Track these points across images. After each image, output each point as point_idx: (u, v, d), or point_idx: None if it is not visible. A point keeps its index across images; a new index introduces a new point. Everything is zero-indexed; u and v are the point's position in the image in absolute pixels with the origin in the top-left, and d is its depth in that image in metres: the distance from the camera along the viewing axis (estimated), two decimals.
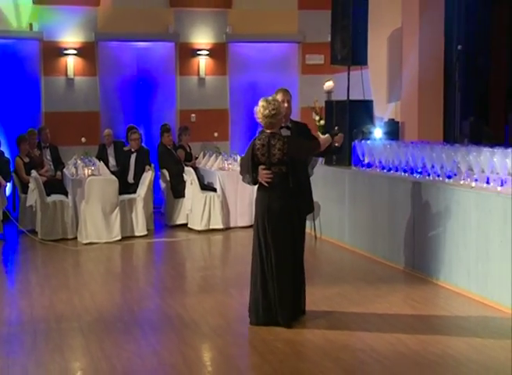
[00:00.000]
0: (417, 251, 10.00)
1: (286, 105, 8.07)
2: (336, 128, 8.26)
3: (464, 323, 7.99)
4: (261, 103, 7.75)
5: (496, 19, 12.99)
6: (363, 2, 13.26)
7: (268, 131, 7.75)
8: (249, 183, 7.98)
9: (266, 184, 7.66)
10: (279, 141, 7.63)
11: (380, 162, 11.53)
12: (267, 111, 7.67)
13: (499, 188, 8.58)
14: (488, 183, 8.84)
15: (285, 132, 8.01)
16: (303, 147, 7.80)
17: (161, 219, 14.48)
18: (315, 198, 12.74)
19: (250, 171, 7.77)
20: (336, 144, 8.04)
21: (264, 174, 7.63)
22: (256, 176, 7.74)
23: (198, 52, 16.80)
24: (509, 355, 6.86)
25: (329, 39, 13.56)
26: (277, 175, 7.64)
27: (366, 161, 12.01)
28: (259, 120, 7.80)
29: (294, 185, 7.68)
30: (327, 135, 7.94)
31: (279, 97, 8.04)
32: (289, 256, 7.68)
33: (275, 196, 7.67)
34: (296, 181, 7.74)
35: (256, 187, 7.94)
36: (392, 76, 14.28)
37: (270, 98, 7.81)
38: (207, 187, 13.74)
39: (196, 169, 14.05)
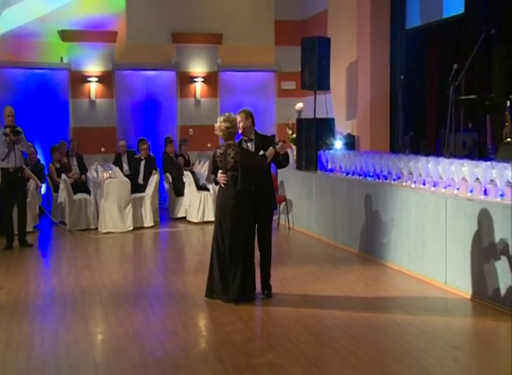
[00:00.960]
0: (369, 238, 10.01)
1: (241, 124, 7.86)
2: (277, 139, 8.03)
3: (405, 295, 8.00)
4: (219, 119, 7.83)
5: (429, 55, 13.08)
6: (326, 41, 13.34)
7: (226, 142, 7.77)
8: (210, 183, 8.04)
9: (223, 185, 7.72)
10: (233, 151, 7.63)
11: (340, 167, 11.56)
12: (223, 126, 7.73)
13: (432, 189, 8.65)
14: (424, 184, 8.89)
15: (249, 142, 7.96)
16: (251, 158, 7.71)
17: (165, 213, 14.43)
18: (289, 196, 12.88)
19: (211, 174, 7.89)
20: (281, 153, 7.88)
21: (221, 177, 7.68)
22: (214, 178, 7.83)
23: (195, 79, 16.74)
24: (441, 320, 6.90)
25: (299, 69, 13.56)
26: (231, 178, 7.63)
27: (329, 166, 12.04)
28: (218, 133, 7.84)
29: (244, 187, 7.61)
30: (271, 148, 7.83)
31: (238, 117, 7.89)
32: (240, 244, 7.62)
33: (229, 195, 7.67)
34: (248, 184, 7.65)
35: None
36: (350, 99, 14.31)
37: (227, 114, 7.85)
38: (201, 187, 13.70)
39: (193, 173, 14.03)
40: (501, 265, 7.18)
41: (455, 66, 9.68)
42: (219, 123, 7.77)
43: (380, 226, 9.68)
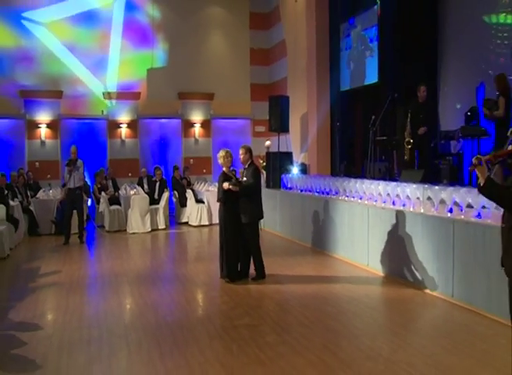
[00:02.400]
0: (317, 236, 10.03)
1: (241, 155, 7.74)
2: (233, 180, 7.67)
3: (341, 275, 8.05)
4: (219, 152, 7.83)
5: (356, 109, 13.17)
6: (286, 98, 13.46)
7: (223, 169, 7.77)
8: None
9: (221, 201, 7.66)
10: (227, 176, 7.68)
11: (296, 186, 11.63)
12: (221, 157, 7.73)
13: (359, 201, 8.69)
14: (353, 198, 8.95)
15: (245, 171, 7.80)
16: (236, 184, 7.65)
17: (173, 219, 14.33)
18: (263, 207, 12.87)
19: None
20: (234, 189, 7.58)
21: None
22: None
23: (194, 124, 16.70)
24: (364, 291, 6.95)
25: (268, 117, 13.63)
26: (225, 197, 7.58)
27: (289, 186, 12.11)
28: (218, 161, 7.83)
29: (229, 203, 7.58)
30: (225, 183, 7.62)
31: (239, 151, 7.79)
32: (231, 238, 7.59)
33: (223, 208, 7.65)
34: (234, 201, 7.57)
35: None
36: (303, 138, 14.38)
37: (225, 149, 7.84)
38: (199, 201, 13.66)
39: (193, 191, 14.00)
40: (404, 251, 7.29)
41: (373, 117, 9.84)
42: (219, 156, 7.78)
43: (324, 227, 9.70)
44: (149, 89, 16.11)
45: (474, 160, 3.59)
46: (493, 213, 5.97)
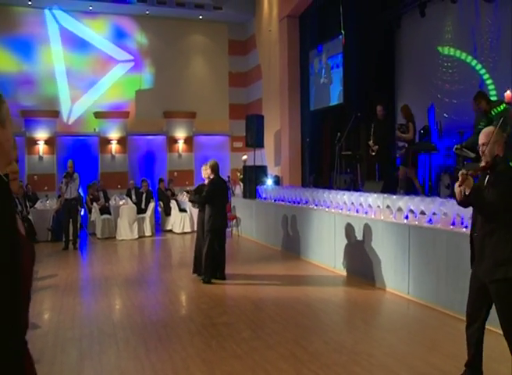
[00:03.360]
0: (289, 241, 10.09)
1: (203, 171, 7.85)
2: (188, 189, 7.92)
3: (314, 277, 8.10)
4: (202, 166, 7.92)
5: (324, 127, 13.27)
6: (261, 117, 13.51)
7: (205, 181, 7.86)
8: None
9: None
10: (204, 188, 7.76)
11: (270, 196, 11.67)
12: (203, 171, 7.81)
13: (326, 209, 8.76)
14: (322, 206, 9.05)
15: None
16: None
17: (159, 226, 14.27)
18: (239, 215, 12.94)
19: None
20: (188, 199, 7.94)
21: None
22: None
23: (178, 141, 16.66)
24: (332, 290, 7.03)
25: (245, 134, 13.68)
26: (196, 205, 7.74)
27: (263, 196, 12.13)
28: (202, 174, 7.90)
29: (204, 212, 7.71)
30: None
31: (202, 167, 7.95)
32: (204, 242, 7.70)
33: (199, 215, 7.78)
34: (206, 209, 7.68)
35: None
36: (276, 152, 14.48)
37: (206, 164, 7.89)
38: (182, 210, 13.63)
39: (177, 201, 13.98)
40: (366, 254, 7.39)
41: (338, 134, 9.95)
42: (202, 169, 7.90)
43: (296, 233, 9.75)
44: (137, 108, 16.08)
45: (460, 176, 3.63)
46: (442, 219, 6.11)
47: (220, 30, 17.02)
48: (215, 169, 7.77)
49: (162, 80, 16.31)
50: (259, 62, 16.04)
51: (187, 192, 7.93)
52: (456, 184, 3.67)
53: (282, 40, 13.91)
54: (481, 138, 3.65)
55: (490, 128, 3.72)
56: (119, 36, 15.97)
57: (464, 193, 3.65)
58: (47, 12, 15.11)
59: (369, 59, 11.55)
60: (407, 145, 8.95)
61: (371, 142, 9.25)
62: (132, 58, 16.09)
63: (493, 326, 5.19)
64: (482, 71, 9.75)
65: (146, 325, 5.69)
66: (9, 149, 1.62)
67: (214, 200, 7.68)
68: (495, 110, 7.16)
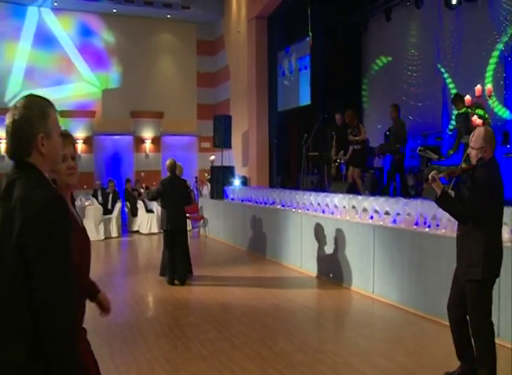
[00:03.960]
0: (258, 241, 10.09)
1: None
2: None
3: (281, 277, 8.10)
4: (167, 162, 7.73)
5: (291, 128, 13.34)
6: (228, 117, 13.46)
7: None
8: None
9: None
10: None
11: (238, 197, 11.65)
12: (168, 166, 7.65)
13: (293, 210, 8.79)
14: (289, 207, 9.07)
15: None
16: None
17: (126, 227, 14.05)
18: (206, 215, 12.88)
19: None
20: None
21: None
22: None
23: (145, 141, 16.50)
24: (298, 290, 7.06)
25: (212, 134, 13.62)
26: None
27: (231, 196, 12.11)
28: None
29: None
30: None
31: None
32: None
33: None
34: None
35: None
36: (244, 153, 14.49)
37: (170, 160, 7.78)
38: (149, 211, 13.47)
39: (144, 202, 13.81)
40: (332, 254, 7.46)
41: (306, 135, 10.03)
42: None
43: (263, 234, 9.75)
44: (104, 108, 15.82)
45: (430, 177, 3.69)
46: (406, 219, 6.22)
47: (188, 30, 16.92)
48: (169, 167, 7.68)
49: (130, 79, 16.11)
50: (227, 63, 16.02)
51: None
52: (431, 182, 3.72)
53: (250, 41, 13.93)
54: (471, 140, 3.69)
55: (481, 131, 3.68)
56: (86, 34, 15.69)
57: (435, 195, 3.72)
58: (13, 6, 14.72)
59: (336, 61, 11.68)
60: (359, 147, 9.12)
61: (334, 155, 9.46)
62: (98, 56, 15.83)
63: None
64: (445, 75, 9.99)
65: (111, 327, 5.59)
66: (55, 157, 1.87)
67: (163, 200, 7.63)
68: (455, 112, 7.35)
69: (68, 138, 2.30)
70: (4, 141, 15.92)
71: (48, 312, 1.62)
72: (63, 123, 12.62)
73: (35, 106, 1.79)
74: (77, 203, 13.02)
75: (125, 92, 16.01)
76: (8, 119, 1.78)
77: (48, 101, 1.85)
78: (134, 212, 13.77)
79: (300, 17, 11.55)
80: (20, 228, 1.62)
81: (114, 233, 12.91)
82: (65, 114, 15.30)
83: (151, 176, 16.23)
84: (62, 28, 15.36)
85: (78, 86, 15.58)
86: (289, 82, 12.98)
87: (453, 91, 9.70)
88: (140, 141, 16.43)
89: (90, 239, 2.44)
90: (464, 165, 3.90)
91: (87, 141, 15.75)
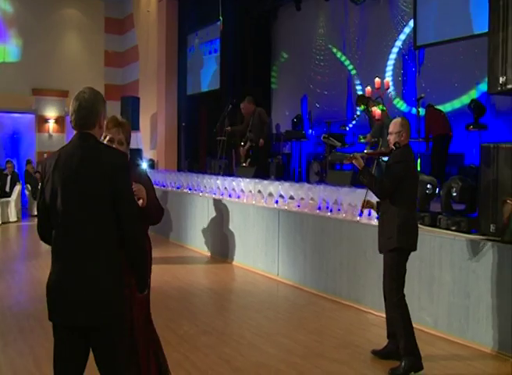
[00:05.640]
0: (162, 224, 9.28)
1: None
2: None
3: (184, 260, 8.01)
4: None
5: (201, 111, 13.16)
6: (136, 99, 13.17)
7: None
8: None
9: None
10: None
11: None
12: None
13: (200, 194, 8.71)
14: (196, 191, 8.98)
15: None
16: None
17: (26, 211, 13.21)
18: None
19: None
20: None
21: None
22: None
23: (49, 120, 15.55)
24: (208, 275, 7.03)
25: (120, 117, 13.11)
26: None
27: None
28: None
29: None
30: None
31: None
32: None
33: None
34: None
35: None
36: (152, 136, 14.15)
37: None
38: None
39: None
40: (239, 238, 7.48)
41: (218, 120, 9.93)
42: None
43: (169, 217, 9.43)
44: (1, 81, 14.66)
45: (352, 155, 4.04)
46: (309, 204, 6.38)
47: (96, 7, 16.08)
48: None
49: (31, 53, 15.01)
50: (137, 43, 15.47)
51: None
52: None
53: (160, 21, 13.55)
54: (390, 127, 4.05)
55: (398, 119, 4.08)
56: None
57: (357, 170, 4.04)
58: None
59: (246, 47, 11.69)
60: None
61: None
62: None
63: (353, 302, 5.55)
64: (350, 66, 10.33)
65: (6, 317, 5.23)
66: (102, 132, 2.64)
67: None
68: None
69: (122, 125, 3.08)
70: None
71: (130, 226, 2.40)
72: None
73: (99, 94, 2.46)
74: None
75: (25, 67, 14.91)
76: (76, 100, 2.38)
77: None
78: (36, 195, 12.97)
79: (212, 1, 11.38)
80: (111, 172, 2.33)
81: (13, 217, 12.08)
82: None
83: None
84: None
85: None
86: (199, 65, 12.80)
87: (357, 82, 10.07)
88: (42, 120, 15.43)
89: None
90: (382, 148, 4.18)
91: None
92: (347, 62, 10.39)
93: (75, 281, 2.30)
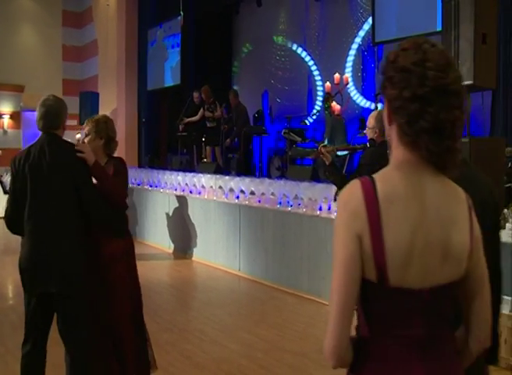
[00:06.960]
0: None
1: None
2: None
3: (145, 257, 7.88)
4: None
5: (162, 107, 12.96)
6: (96, 94, 12.83)
7: None
8: None
9: None
10: None
11: None
12: None
13: (161, 190, 8.63)
14: (156, 187, 8.82)
15: None
16: None
17: None
18: None
19: None
20: None
21: None
22: None
23: (3, 116, 15.01)
24: (170, 272, 6.95)
25: (78, 111, 12.82)
26: None
27: None
28: None
29: None
30: None
31: None
32: None
33: None
34: None
35: None
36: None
37: None
38: (7, 192, 12.27)
39: (1, 182, 12.57)
40: (200, 233, 7.42)
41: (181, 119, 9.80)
42: None
43: (130, 214, 9.17)
44: None
45: (319, 149, 4.04)
46: (270, 199, 6.38)
47: None
48: None
49: None
50: (96, 37, 15.10)
51: None
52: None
53: (120, 15, 13.26)
54: (367, 121, 3.94)
55: (373, 112, 3.95)
56: None
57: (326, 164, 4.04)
58: None
59: (207, 42, 11.59)
60: (215, 124, 9.14)
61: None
62: None
63: (314, 295, 5.59)
64: (311, 62, 10.39)
65: None
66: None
67: None
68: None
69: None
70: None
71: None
72: None
73: (62, 101, 3.02)
74: None
75: None
76: (43, 106, 2.89)
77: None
78: None
79: None
80: (72, 163, 2.85)
81: None
82: None
83: (10, 155, 14.84)
84: None
85: None
86: (159, 60, 12.61)
87: (317, 78, 10.13)
88: None
89: None
90: (357, 145, 4.24)
91: None
92: (308, 58, 10.44)
93: (46, 254, 2.78)
